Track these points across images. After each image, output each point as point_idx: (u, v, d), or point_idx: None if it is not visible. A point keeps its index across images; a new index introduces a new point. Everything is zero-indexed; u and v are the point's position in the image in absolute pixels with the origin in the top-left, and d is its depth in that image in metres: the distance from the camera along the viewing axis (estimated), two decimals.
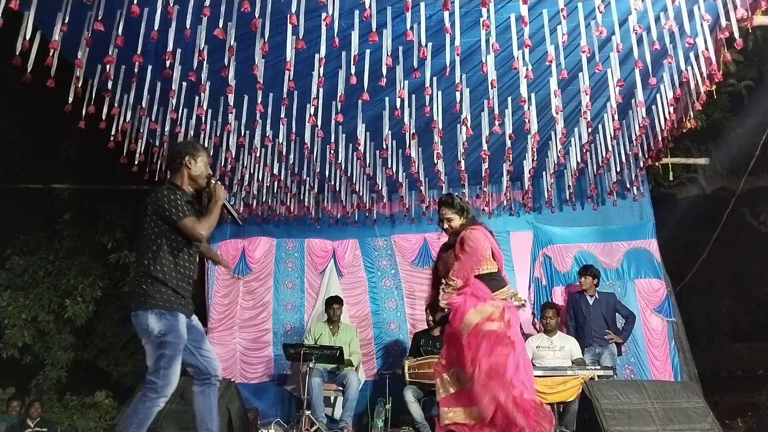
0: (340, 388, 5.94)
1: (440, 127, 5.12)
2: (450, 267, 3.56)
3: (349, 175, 6.10)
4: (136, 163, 5.46)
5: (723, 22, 4.08)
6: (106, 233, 8.66)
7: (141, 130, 5.27)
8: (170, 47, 4.07)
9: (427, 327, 6.02)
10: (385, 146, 5.48)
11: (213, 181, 3.14)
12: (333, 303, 6.33)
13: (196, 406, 3.10)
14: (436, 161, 5.65)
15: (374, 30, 4.08)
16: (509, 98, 5.14)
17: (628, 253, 6.81)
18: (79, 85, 4.34)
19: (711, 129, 8.07)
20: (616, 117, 5.22)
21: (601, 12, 4.05)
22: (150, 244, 2.98)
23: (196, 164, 3.13)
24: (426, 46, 4.31)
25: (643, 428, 4.21)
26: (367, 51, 4.45)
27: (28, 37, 3.86)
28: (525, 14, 3.98)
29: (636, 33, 4.21)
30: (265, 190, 6.54)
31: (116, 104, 4.89)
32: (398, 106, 4.77)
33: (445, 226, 3.70)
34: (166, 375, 2.82)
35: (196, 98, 4.83)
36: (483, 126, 5.21)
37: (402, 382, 5.54)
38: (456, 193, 3.85)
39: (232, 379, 5.50)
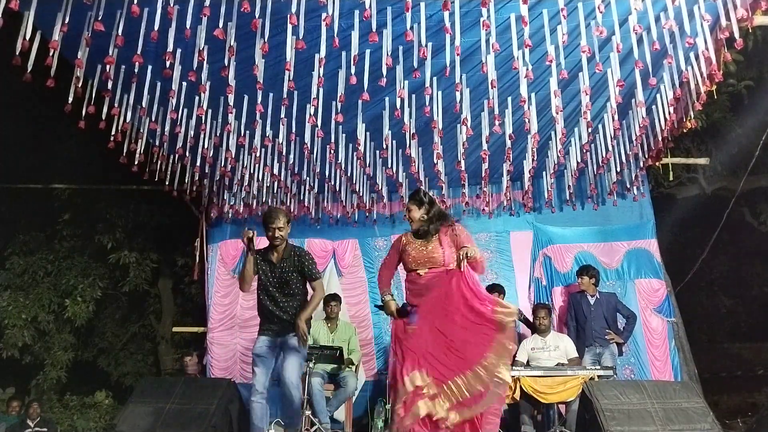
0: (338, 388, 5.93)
1: (440, 127, 5.11)
2: (428, 256, 3.83)
3: (349, 175, 6.10)
4: (136, 163, 5.46)
5: (723, 22, 4.08)
6: (106, 233, 8.66)
7: (141, 130, 5.27)
8: (170, 47, 4.07)
9: None
10: (385, 146, 5.48)
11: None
12: (330, 301, 6.30)
13: None
14: (436, 161, 5.65)
15: (374, 30, 4.08)
16: (509, 98, 5.14)
17: (628, 253, 6.81)
18: (79, 85, 4.33)
19: (711, 129, 8.06)
20: (616, 117, 5.21)
21: (601, 12, 4.05)
22: None
23: None
24: (426, 46, 4.30)
25: (643, 428, 4.22)
26: (367, 51, 4.45)
27: (28, 37, 3.86)
28: (525, 14, 3.98)
29: (636, 33, 4.21)
30: (265, 190, 6.53)
31: (116, 104, 4.89)
32: (398, 106, 4.76)
33: (406, 216, 3.87)
34: (252, 376, 4.08)
35: (196, 98, 4.83)
36: (483, 126, 5.21)
37: None
38: (427, 191, 4.13)
39: (232, 379, 5.51)
